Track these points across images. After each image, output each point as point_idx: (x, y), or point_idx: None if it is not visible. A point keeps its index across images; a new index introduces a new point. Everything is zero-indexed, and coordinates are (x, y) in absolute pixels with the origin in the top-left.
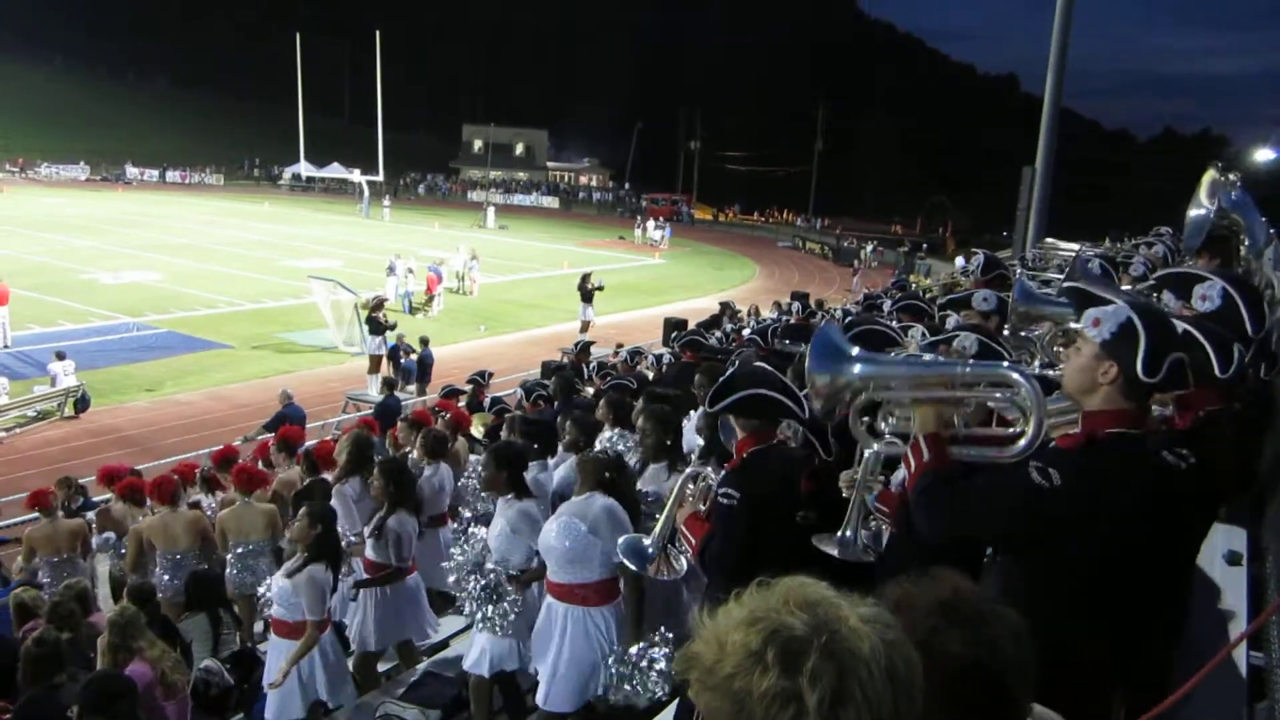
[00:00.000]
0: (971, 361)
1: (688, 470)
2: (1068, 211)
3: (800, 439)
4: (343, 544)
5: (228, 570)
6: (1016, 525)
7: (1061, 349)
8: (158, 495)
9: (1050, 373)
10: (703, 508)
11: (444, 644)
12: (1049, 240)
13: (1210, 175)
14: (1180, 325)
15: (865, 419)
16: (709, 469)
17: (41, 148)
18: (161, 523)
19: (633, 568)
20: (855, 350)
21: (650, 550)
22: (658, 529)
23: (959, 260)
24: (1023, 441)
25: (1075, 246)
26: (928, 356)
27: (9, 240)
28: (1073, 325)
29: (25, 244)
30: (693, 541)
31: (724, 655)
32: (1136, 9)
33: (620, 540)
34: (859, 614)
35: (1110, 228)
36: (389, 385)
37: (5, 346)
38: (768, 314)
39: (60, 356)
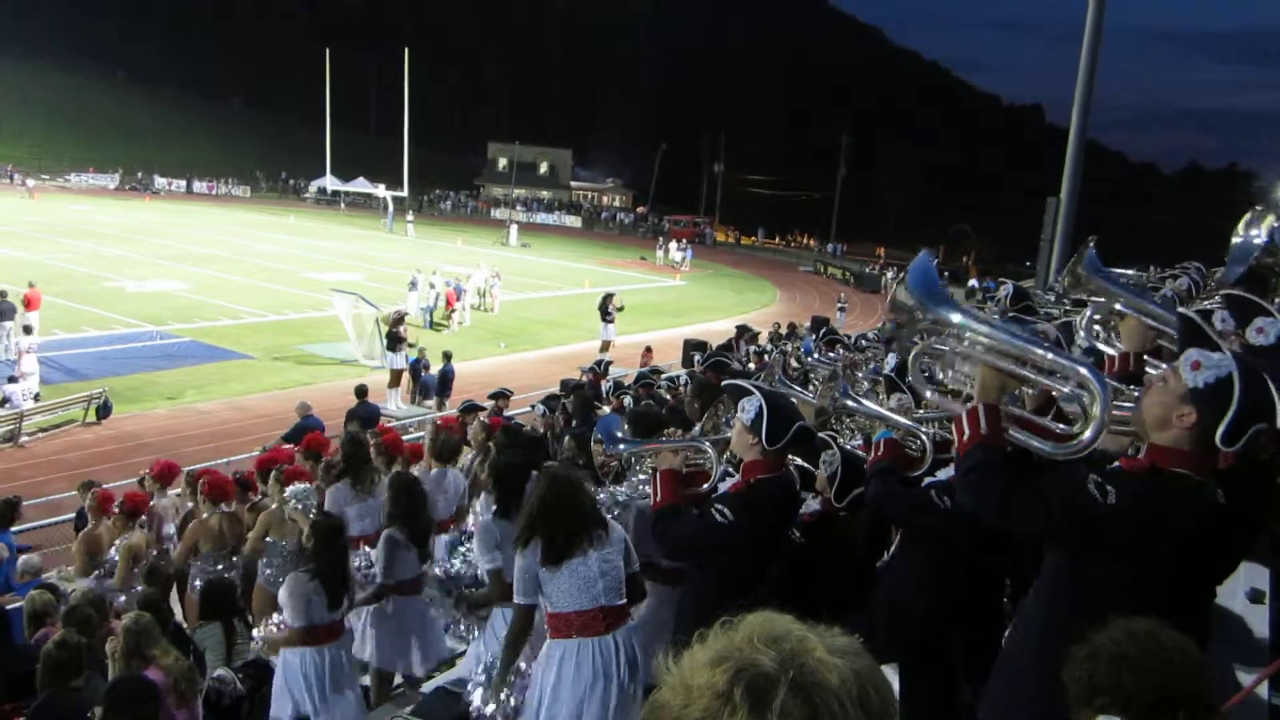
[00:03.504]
0: (1056, 349)
1: (701, 438)
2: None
3: (834, 469)
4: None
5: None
6: (1060, 531)
7: (1113, 332)
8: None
9: (1125, 393)
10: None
11: (461, 655)
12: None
13: (1270, 220)
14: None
15: (924, 367)
16: (712, 451)
17: (72, 156)
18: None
19: (597, 441)
20: (948, 295)
21: (621, 447)
22: (639, 446)
23: (971, 282)
24: (1076, 442)
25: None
26: (1016, 328)
27: (38, 247)
28: (1150, 323)
29: (54, 251)
30: (658, 496)
31: (691, 700)
32: (1164, 42)
33: (609, 415)
34: (828, 645)
35: (1134, 261)
36: (360, 393)
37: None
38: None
39: (28, 330)
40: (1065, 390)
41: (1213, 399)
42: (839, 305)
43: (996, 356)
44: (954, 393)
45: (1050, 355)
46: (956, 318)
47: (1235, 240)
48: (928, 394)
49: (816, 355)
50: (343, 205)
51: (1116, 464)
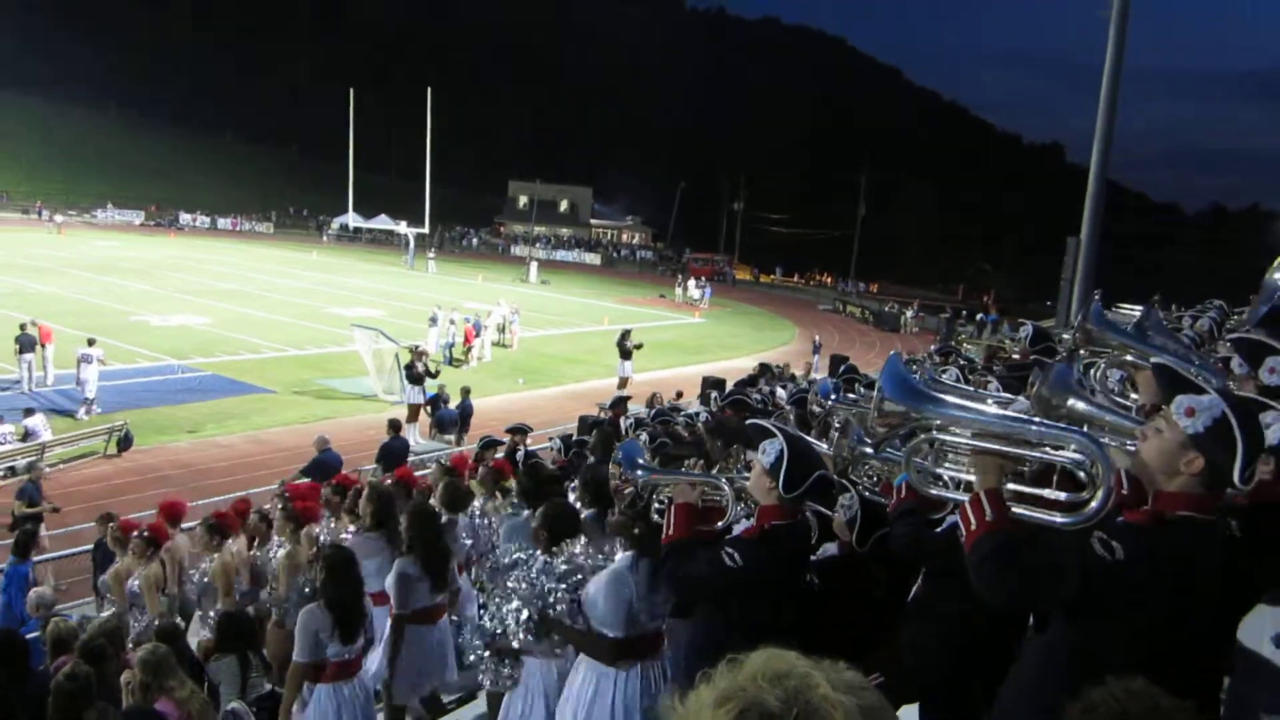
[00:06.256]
0: (1045, 421)
1: (719, 476)
2: (1112, 282)
3: (853, 514)
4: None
5: None
6: (1079, 600)
7: (1144, 421)
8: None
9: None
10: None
11: (470, 696)
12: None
13: None
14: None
15: (918, 459)
16: (729, 489)
17: (100, 193)
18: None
19: (616, 464)
20: (927, 388)
21: (639, 473)
22: (660, 476)
23: (979, 315)
24: (1089, 509)
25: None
26: (995, 408)
27: (65, 281)
28: (1165, 409)
29: (80, 285)
30: (670, 530)
31: None
32: (1188, 83)
33: (630, 441)
34: (832, 681)
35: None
36: (394, 427)
37: (50, 385)
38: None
39: (91, 342)
40: (1064, 459)
41: (1216, 441)
42: (814, 347)
43: (988, 440)
44: (955, 483)
45: (1041, 429)
46: (940, 410)
47: (1267, 278)
48: (933, 492)
49: (836, 397)
50: (325, 239)
51: (1120, 518)
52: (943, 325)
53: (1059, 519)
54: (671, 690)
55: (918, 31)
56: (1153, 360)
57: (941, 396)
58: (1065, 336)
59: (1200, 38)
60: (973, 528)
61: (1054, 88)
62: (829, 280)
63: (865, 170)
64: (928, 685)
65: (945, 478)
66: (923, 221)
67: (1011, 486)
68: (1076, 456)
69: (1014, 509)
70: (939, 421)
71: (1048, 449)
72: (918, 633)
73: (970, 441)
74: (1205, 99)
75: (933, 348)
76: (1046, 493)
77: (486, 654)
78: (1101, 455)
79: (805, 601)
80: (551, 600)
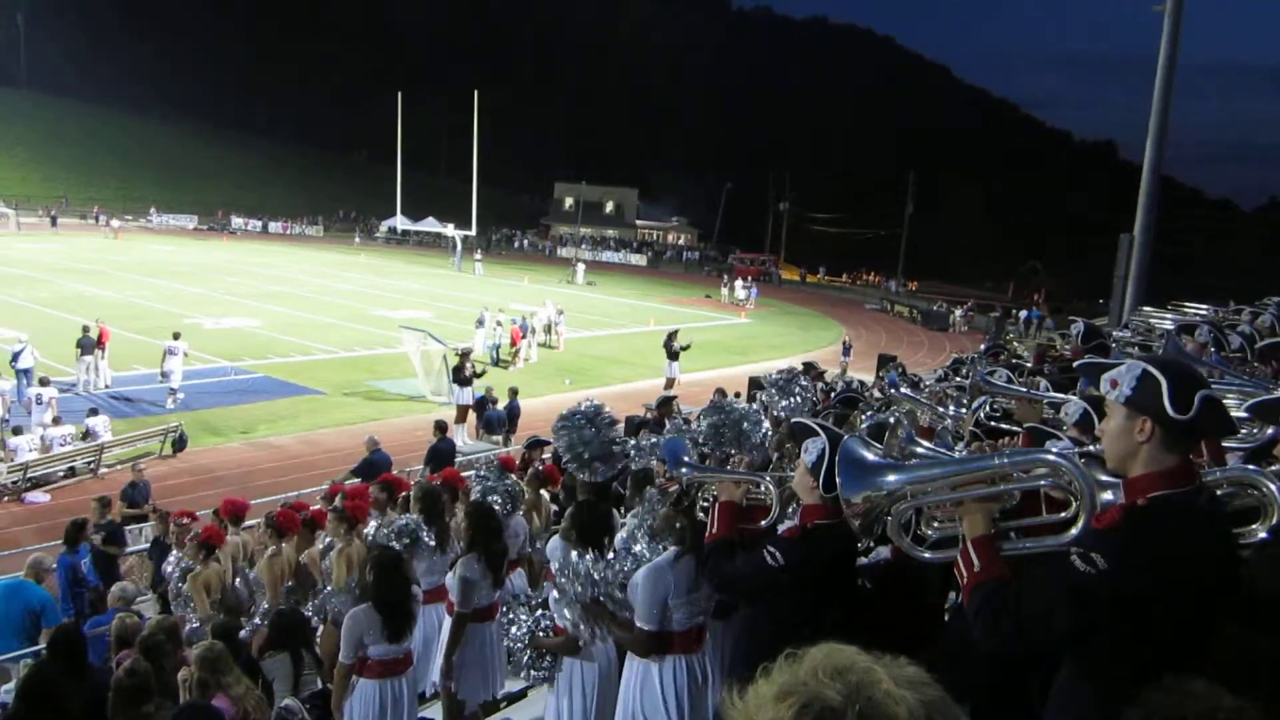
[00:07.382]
0: (1009, 451)
1: (762, 474)
2: (1166, 280)
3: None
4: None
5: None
6: (1074, 622)
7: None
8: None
9: (1095, 448)
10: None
11: (521, 694)
12: (1146, 309)
13: None
14: None
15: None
16: (773, 488)
17: (155, 197)
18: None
19: (661, 461)
20: (881, 460)
21: (684, 471)
22: (705, 474)
23: (1023, 313)
24: (1078, 527)
25: (1168, 315)
26: (961, 452)
27: (121, 284)
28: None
29: (136, 289)
30: (714, 528)
31: None
32: (1244, 76)
33: (675, 437)
34: (895, 676)
35: (1209, 298)
36: (440, 428)
37: (106, 386)
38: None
39: (176, 336)
40: (1044, 483)
41: (1146, 394)
42: (845, 348)
43: (964, 488)
44: (948, 541)
45: (1007, 460)
46: (900, 477)
47: None
48: (925, 555)
49: (904, 390)
50: (358, 239)
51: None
52: (991, 324)
53: (1058, 541)
54: (725, 686)
55: (966, 30)
56: (1076, 364)
57: (900, 463)
58: (1118, 335)
59: (1252, 29)
60: (965, 581)
61: (1105, 84)
62: (876, 280)
63: (912, 169)
64: (979, 686)
65: (939, 540)
66: (972, 219)
67: (1005, 526)
68: (1053, 477)
69: (1010, 547)
70: (910, 489)
71: (1023, 477)
72: (967, 633)
73: (947, 495)
74: (1260, 93)
75: (982, 347)
76: (1037, 520)
77: (524, 648)
78: (1075, 469)
79: (850, 603)
80: (605, 589)
